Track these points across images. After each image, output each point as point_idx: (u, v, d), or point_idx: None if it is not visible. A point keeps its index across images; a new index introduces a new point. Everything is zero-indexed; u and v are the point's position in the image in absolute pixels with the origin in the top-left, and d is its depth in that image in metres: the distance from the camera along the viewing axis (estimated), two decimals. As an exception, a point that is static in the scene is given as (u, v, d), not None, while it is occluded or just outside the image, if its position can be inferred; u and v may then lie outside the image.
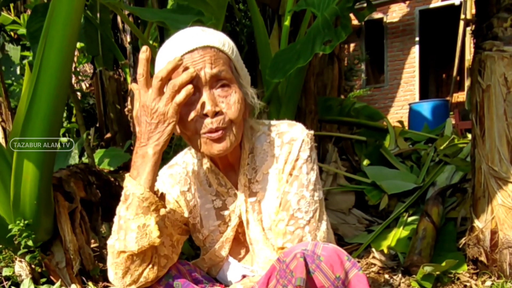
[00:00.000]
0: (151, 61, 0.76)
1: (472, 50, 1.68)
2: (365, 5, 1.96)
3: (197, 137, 0.79)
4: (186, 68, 0.75)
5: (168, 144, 0.77)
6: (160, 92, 0.74)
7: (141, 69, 0.74)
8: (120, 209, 0.77)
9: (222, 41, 0.79)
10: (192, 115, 0.77)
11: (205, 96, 0.76)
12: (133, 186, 0.75)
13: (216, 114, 0.76)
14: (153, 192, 0.77)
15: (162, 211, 0.81)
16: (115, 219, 0.79)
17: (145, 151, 0.75)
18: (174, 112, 0.73)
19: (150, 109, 0.73)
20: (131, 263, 0.78)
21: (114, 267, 0.79)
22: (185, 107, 0.77)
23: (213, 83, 0.77)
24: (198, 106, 0.76)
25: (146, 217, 0.76)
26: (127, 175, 0.78)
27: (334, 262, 0.72)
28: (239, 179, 0.88)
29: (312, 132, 0.87)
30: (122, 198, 0.78)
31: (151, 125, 0.74)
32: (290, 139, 0.85)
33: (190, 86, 0.74)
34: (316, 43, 1.63)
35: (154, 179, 0.77)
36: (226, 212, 0.91)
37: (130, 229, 0.76)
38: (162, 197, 0.81)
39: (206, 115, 0.76)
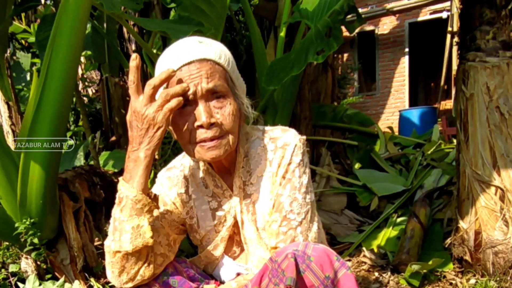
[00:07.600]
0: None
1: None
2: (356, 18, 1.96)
3: (191, 145, 0.78)
4: (180, 81, 0.75)
5: (160, 147, 0.76)
6: (152, 99, 0.73)
7: (132, 76, 0.73)
8: (115, 211, 0.77)
9: (218, 53, 0.78)
10: (188, 125, 0.76)
11: (201, 108, 0.75)
12: (126, 189, 0.75)
13: (211, 125, 0.76)
14: (146, 194, 0.76)
15: (155, 212, 0.80)
16: (111, 220, 0.78)
17: (137, 155, 0.75)
18: (164, 118, 0.72)
19: (140, 114, 0.73)
20: (126, 262, 0.78)
21: (110, 266, 0.79)
22: (181, 117, 0.76)
23: (209, 96, 0.76)
24: (194, 117, 0.76)
25: (139, 219, 0.75)
26: (120, 178, 0.77)
27: (323, 262, 0.71)
28: (234, 181, 0.88)
29: (304, 137, 0.87)
30: (116, 200, 0.77)
31: (142, 130, 0.73)
32: (283, 144, 0.85)
33: (181, 98, 0.73)
34: (309, 52, 1.63)
35: (146, 181, 0.76)
36: (221, 213, 0.90)
37: (125, 230, 0.75)
38: (155, 198, 0.80)
39: (201, 126, 0.75)
